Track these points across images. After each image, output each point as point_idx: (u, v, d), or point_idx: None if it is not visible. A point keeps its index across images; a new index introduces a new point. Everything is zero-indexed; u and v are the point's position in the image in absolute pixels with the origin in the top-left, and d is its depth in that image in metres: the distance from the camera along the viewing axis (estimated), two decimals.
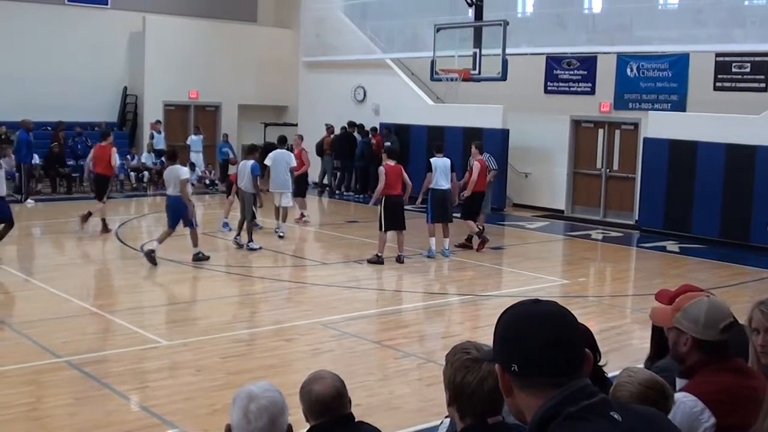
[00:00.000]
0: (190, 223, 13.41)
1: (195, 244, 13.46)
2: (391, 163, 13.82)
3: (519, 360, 1.98)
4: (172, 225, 13.40)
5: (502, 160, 20.06)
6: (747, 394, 3.10)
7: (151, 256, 12.91)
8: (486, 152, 16.26)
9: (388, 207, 13.55)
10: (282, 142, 17.02)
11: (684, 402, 3.11)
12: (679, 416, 3.08)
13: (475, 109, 20.79)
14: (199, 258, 13.38)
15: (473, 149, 15.45)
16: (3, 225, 13.24)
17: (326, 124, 23.51)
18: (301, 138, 18.60)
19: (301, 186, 17.46)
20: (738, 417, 3.04)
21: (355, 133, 23.33)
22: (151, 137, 23.92)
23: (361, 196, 22.70)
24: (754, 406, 2.95)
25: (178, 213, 13.29)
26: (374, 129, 23.02)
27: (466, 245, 15.05)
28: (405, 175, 13.79)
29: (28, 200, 20.14)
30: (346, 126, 23.32)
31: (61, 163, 21.97)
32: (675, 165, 17.18)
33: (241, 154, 18.83)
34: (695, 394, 3.13)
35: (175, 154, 14.11)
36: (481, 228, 15.12)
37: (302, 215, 17.82)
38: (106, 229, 16.15)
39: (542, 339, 1.96)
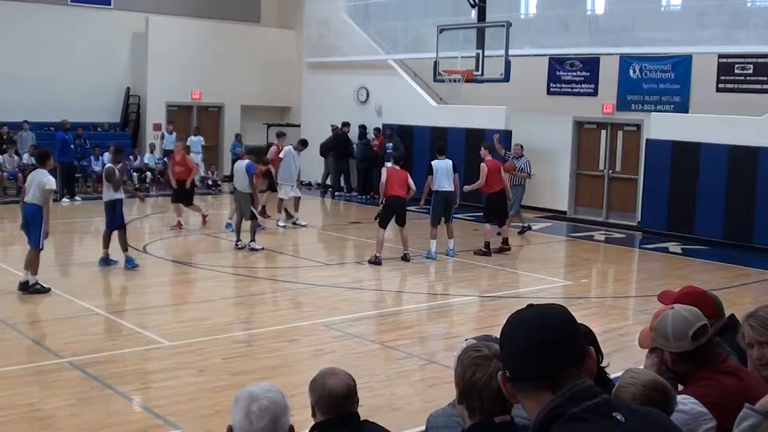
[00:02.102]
0: (36, 242, 10.96)
1: (34, 271, 10.98)
2: (396, 167, 14.02)
3: (508, 366, 2.02)
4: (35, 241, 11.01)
5: (504, 161, 20.05)
6: (746, 395, 3.12)
7: (32, 288, 10.98)
8: (524, 157, 17.14)
9: (388, 205, 13.63)
10: (303, 144, 17.95)
11: (684, 404, 3.12)
12: (680, 418, 3.08)
13: (477, 111, 20.80)
14: (37, 290, 10.95)
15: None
16: (117, 232, 12.56)
17: (332, 125, 23.42)
18: (182, 141, 17.81)
19: (185, 192, 16.46)
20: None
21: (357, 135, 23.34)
22: (162, 138, 23.94)
23: (365, 196, 22.70)
24: None
25: (35, 224, 10.98)
26: (377, 130, 23.01)
27: (504, 248, 14.84)
28: (411, 181, 13.84)
29: (63, 199, 20.44)
30: (339, 126, 23.26)
31: None
32: (678, 166, 17.16)
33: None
34: (696, 396, 3.14)
35: (46, 156, 11.44)
36: (506, 231, 15.14)
37: (179, 223, 16.60)
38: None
39: (523, 343, 1.99)
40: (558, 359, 1.96)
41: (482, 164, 14.89)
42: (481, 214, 15.66)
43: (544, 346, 1.96)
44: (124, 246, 12.73)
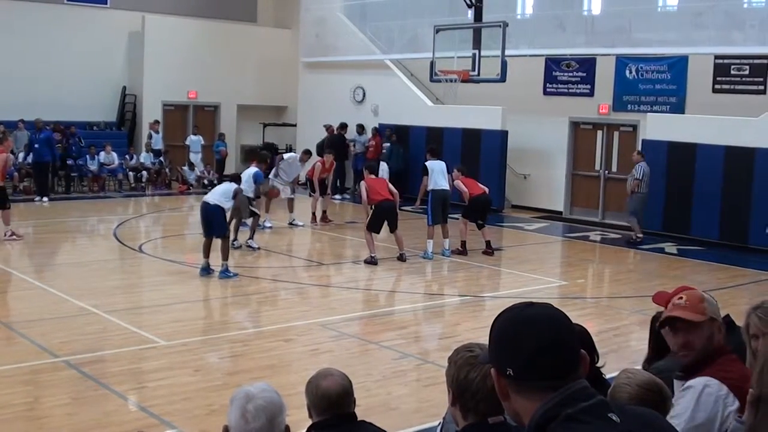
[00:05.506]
0: None
1: None
2: (373, 176, 14.23)
3: (514, 364, 1.97)
4: None
5: (500, 161, 20.10)
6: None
7: None
8: (643, 162, 16.43)
9: (378, 211, 13.66)
10: (308, 153, 18.32)
11: (709, 386, 3.12)
12: (705, 399, 3.08)
13: (474, 111, 20.79)
14: None
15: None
16: (219, 240, 12.16)
17: (324, 125, 23.30)
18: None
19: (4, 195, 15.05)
20: None
21: (355, 134, 23.30)
22: (149, 137, 23.92)
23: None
24: None
25: None
26: (375, 129, 22.91)
27: (487, 252, 14.74)
28: (390, 186, 14.02)
29: (44, 198, 20.34)
30: (334, 126, 23.18)
31: (62, 163, 21.90)
32: (674, 167, 17.17)
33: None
34: (719, 378, 3.14)
35: None
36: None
37: (12, 232, 14.81)
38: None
39: (537, 343, 1.95)
40: (571, 360, 1.97)
41: (456, 182, 14.64)
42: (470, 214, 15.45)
43: (561, 347, 1.96)
44: (226, 254, 12.27)
